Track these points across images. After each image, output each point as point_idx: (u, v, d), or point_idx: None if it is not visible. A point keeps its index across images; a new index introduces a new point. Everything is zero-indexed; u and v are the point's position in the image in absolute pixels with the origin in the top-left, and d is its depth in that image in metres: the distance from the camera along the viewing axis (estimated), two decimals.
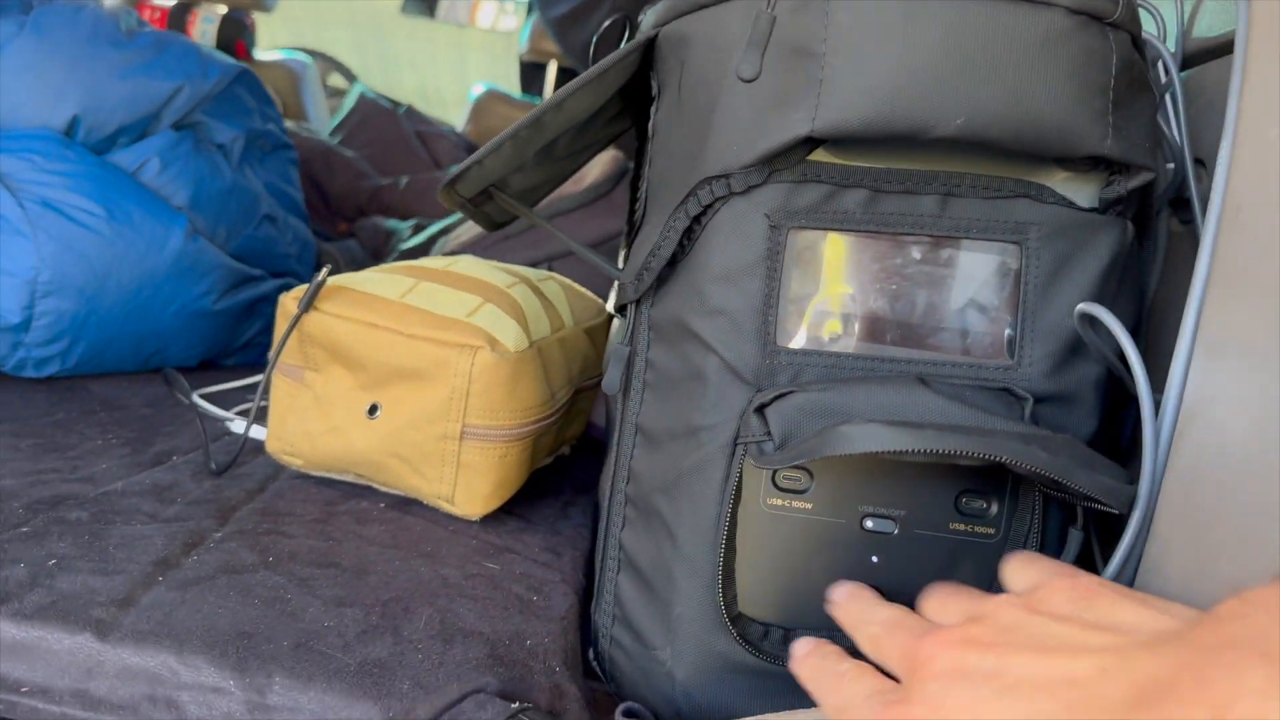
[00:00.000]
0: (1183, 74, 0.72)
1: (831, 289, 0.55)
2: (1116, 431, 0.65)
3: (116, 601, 0.53)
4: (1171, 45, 0.72)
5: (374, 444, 0.74)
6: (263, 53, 2.67)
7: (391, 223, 1.63)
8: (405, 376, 0.73)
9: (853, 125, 0.50)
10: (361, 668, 0.51)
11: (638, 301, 0.61)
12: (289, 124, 1.96)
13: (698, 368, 0.57)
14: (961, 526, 0.56)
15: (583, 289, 0.94)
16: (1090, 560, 0.60)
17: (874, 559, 0.56)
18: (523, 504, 0.81)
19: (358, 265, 1.51)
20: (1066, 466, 0.46)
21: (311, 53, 3.30)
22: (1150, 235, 0.63)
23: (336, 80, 3.68)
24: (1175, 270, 0.70)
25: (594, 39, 0.72)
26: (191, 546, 0.62)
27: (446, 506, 0.75)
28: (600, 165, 1.24)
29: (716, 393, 0.56)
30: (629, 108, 0.75)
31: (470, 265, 0.83)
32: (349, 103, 2.19)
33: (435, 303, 0.75)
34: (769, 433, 0.53)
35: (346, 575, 0.61)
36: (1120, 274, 0.56)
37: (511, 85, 3.19)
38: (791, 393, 0.53)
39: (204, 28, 2.46)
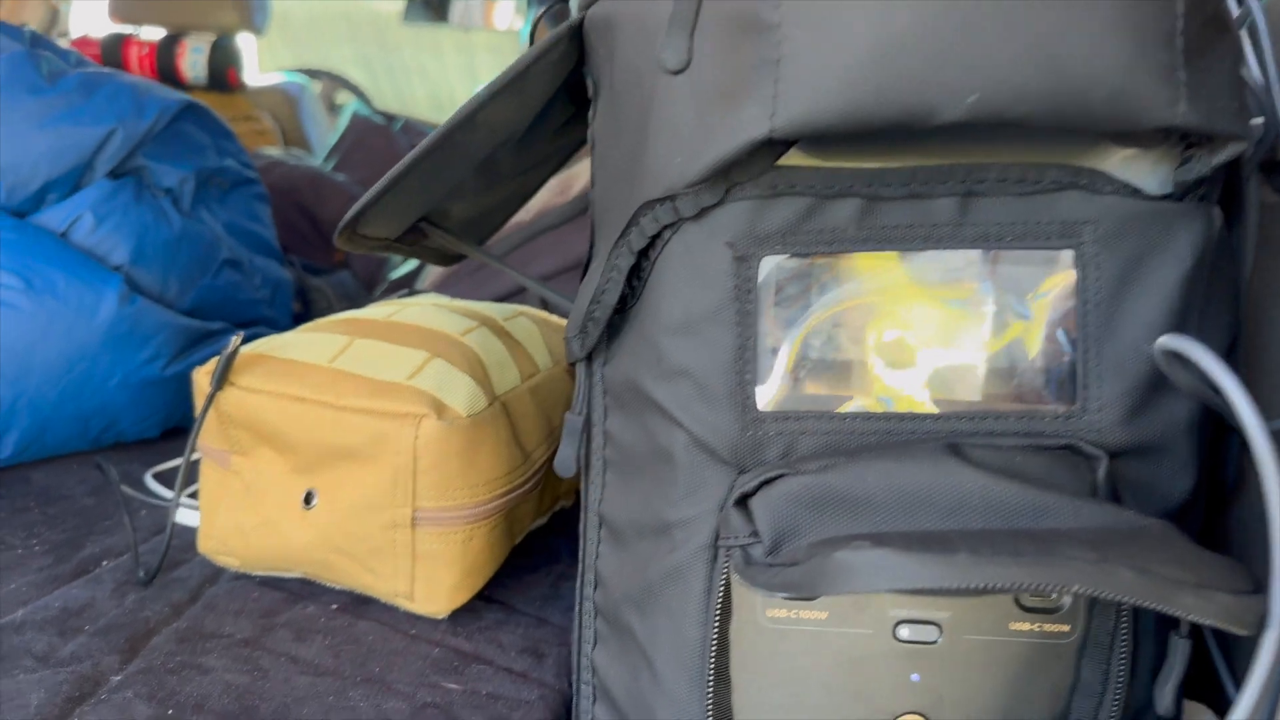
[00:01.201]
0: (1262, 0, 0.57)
1: (825, 332, 0.42)
2: (1218, 466, 0.51)
3: None
4: None
5: (313, 539, 0.62)
6: (259, 77, 2.58)
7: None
8: (341, 456, 0.61)
9: (825, 118, 0.36)
10: None
11: (589, 359, 0.48)
12: (273, 152, 1.86)
13: (663, 446, 0.44)
14: (1026, 625, 0.42)
15: (563, 322, 0.82)
16: (1207, 665, 0.47)
17: (914, 677, 0.43)
18: (507, 581, 0.69)
19: (350, 299, 1.40)
20: (1164, 590, 0.32)
21: (314, 72, 3.21)
22: (1240, 214, 0.49)
23: (345, 98, 3.59)
24: (1272, 252, 0.55)
25: (532, 28, 0.59)
26: (77, 701, 0.51)
27: (406, 604, 0.63)
28: (589, 172, 1.11)
29: (688, 477, 0.43)
30: (582, 112, 0.62)
31: (419, 312, 0.70)
32: (341, 125, 2.08)
33: (372, 364, 0.63)
34: (755, 532, 0.40)
35: None
36: (1209, 276, 0.43)
37: None
38: (783, 476, 0.40)
39: (194, 58, 2.37)
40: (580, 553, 0.50)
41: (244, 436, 0.64)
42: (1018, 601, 0.42)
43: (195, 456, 0.71)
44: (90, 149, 0.94)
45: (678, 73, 0.38)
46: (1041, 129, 0.39)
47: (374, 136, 1.97)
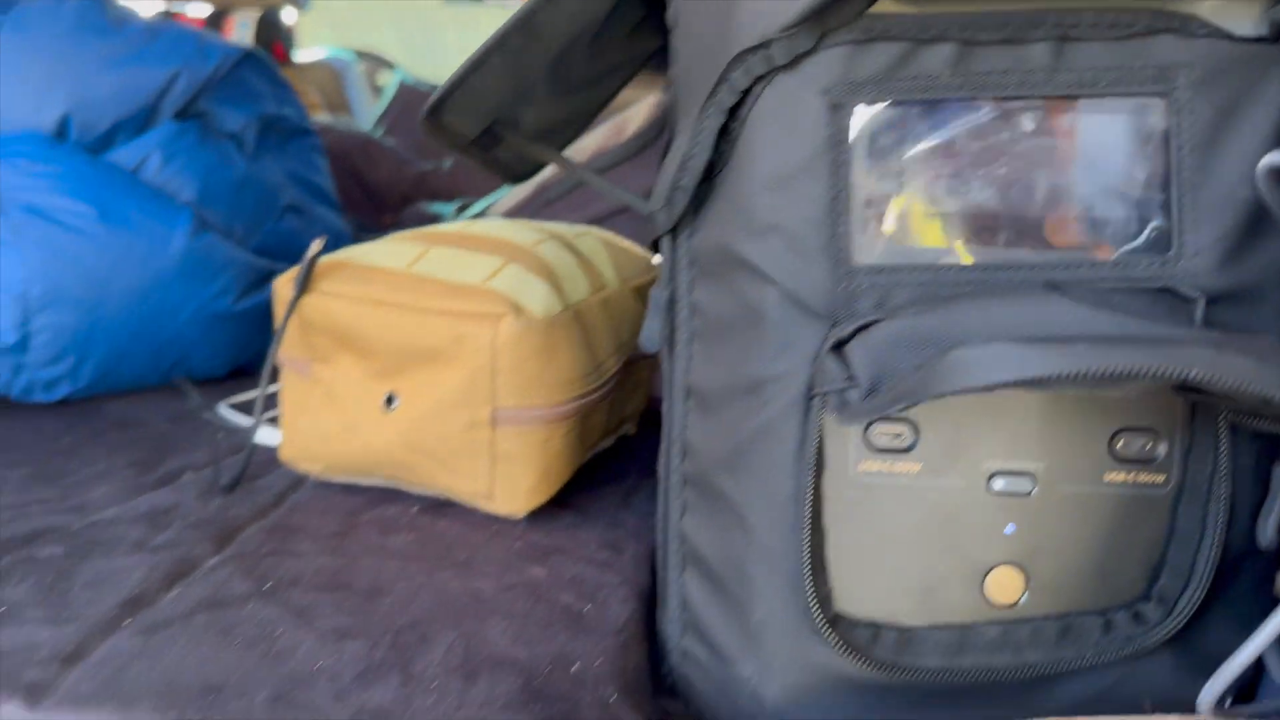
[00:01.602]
0: None
1: (920, 181, 0.42)
2: None
3: (60, 658, 0.43)
4: None
5: (394, 440, 0.63)
6: (305, 52, 2.61)
7: (435, 206, 1.53)
8: (421, 358, 0.62)
9: None
10: None
11: (674, 232, 0.49)
12: (325, 117, 1.88)
13: (754, 304, 0.44)
14: (1120, 476, 0.42)
15: (628, 243, 0.82)
16: None
17: (1008, 529, 0.43)
18: (578, 494, 0.69)
19: None
20: None
21: (359, 53, 3.23)
22: None
23: (386, 78, 3.62)
24: None
25: None
26: (175, 578, 0.52)
27: (485, 505, 0.64)
28: (644, 112, 1.12)
29: (780, 333, 0.44)
30: (654, 15, 0.63)
31: (490, 224, 0.71)
32: (389, 93, 2.10)
33: (450, 269, 0.64)
34: (852, 377, 0.40)
35: (355, 599, 0.51)
36: None
37: None
38: (878, 321, 0.41)
39: (240, 33, 2.41)
40: (665, 429, 0.51)
41: (325, 343, 0.65)
42: (1111, 450, 0.42)
43: (274, 369, 0.72)
44: (156, 91, 0.96)
45: None
46: None
47: (420, 103, 1.97)
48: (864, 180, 0.42)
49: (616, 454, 0.78)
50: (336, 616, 0.48)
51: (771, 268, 0.43)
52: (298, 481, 0.69)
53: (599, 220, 1.11)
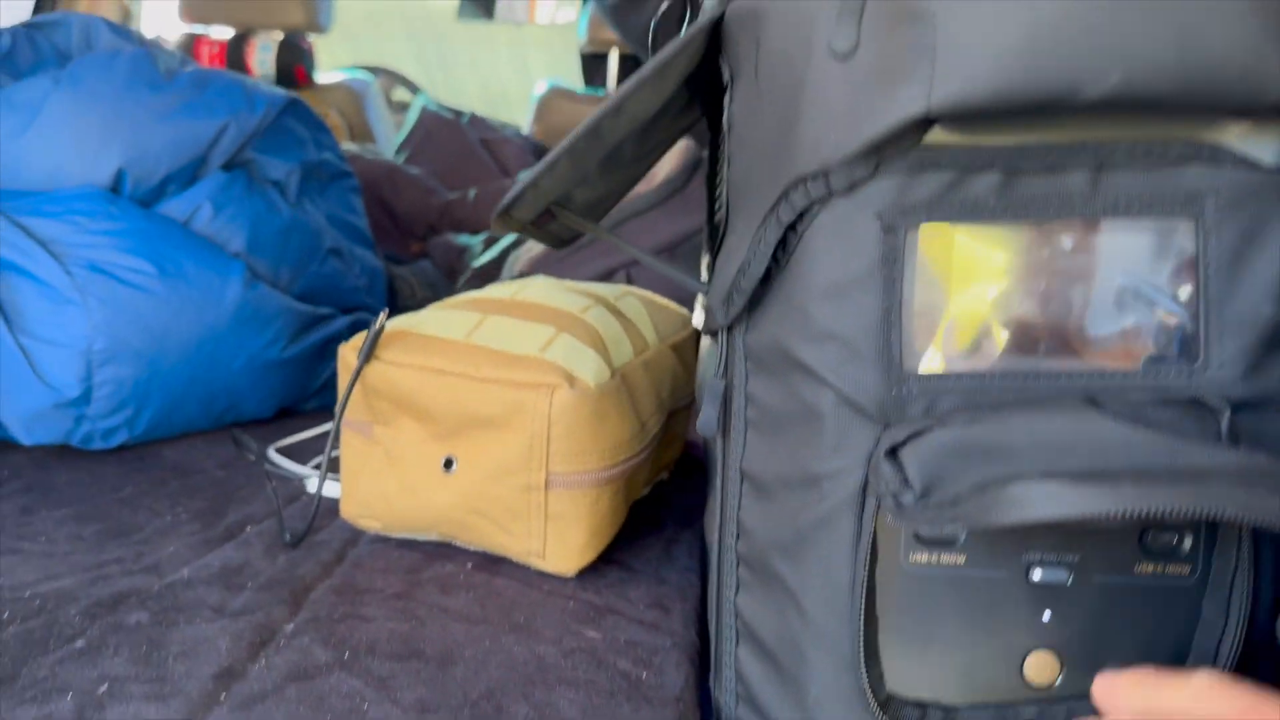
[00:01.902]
0: None
1: (966, 295, 0.46)
2: None
3: None
4: None
5: (453, 501, 0.67)
6: (324, 75, 2.65)
7: (463, 238, 1.57)
8: (479, 424, 0.66)
9: (979, 98, 0.40)
10: None
11: (729, 327, 0.52)
12: (350, 146, 1.92)
13: (810, 404, 0.48)
14: (1150, 568, 0.46)
15: (665, 301, 0.86)
16: None
17: (1045, 617, 0.46)
18: (622, 548, 0.73)
19: (433, 286, 1.45)
20: None
21: (373, 69, 3.27)
22: None
23: (401, 94, 3.66)
24: None
25: (653, 25, 0.63)
26: (260, 646, 0.56)
27: (538, 563, 0.67)
28: (672, 158, 1.15)
29: (836, 433, 0.47)
30: (697, 96, 0.66)
31: (540, 290, 0.75)
32: (411, 118, 2.14)
33: (505, 339, 0.67)
34: (906, 480, 0.44)
35: (430, 668, 0.54)
36: None
37: (575, 79, 3.12)
38: (930, 429, 0.44)
39: (262, 56, 2.44)
40: (717, 507, 0.54)
41: (386, 407, 0.68)
42: (1141, 544, 0.46)
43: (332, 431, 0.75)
44: (206, 142, 1.00)
45: (846, 55, 0.42)
46: (1167, 106, 0.42)
47: (443, 129, 2.02)
48: (915, 293, 0.46)
49: (654, 501, 0.82)
50: (416, 688, 0.52)
51: (827, 372, 0.47)
52: (355, 536, 0.73)
53: (628, 265, 1.15)
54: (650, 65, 0.52)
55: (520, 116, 2.87)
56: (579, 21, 2.89)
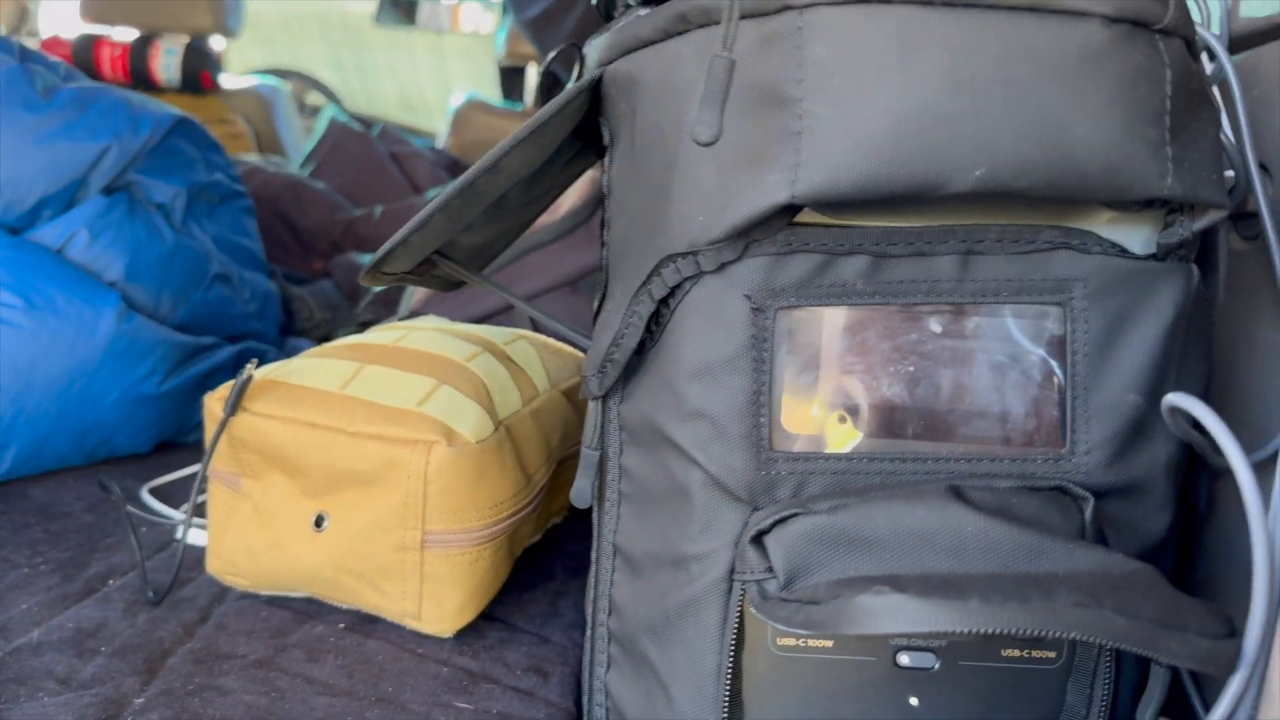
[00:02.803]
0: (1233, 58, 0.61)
1: (835, 378, 0.45)
2: (1190, 498, 0.55)
3: None
4: (1215, 27, 0.61)
5: (323, 559, 0.64)
6: (233, 80, 2.58)
7: (367, 258, 1.53)
8: (353, 481, 0.63)
9: (843, 188, 0.39)
10: None
11: (604, 397, 0.51)
12: (252, 158, 1.86)
13: (680, 483, 0.47)
14: (1016, 652, 0.45)
15: (560, 345, 0.84)
16: (1179, 684, 0.50)
17: (913, 701, 0.46)
18: (506, 602, 0.71)
19: (332, 308, 1.42)
20: (1150, 634, 0.36)
21: (287, 73, 3.20)
22: (1213, 262, 0.53)
23: (316, 98, 3.59)
24: (1239, 296, 0.59)
25: (540, 73, 0.61)
26: None
27: (413, 624, 0.65)
28: (577, 190, 1.13)
29: (704, 514, 0.46)
30: (591, 145, 0.65)
31: (425, 337, 0.72)
32: (320, 128, 2.09)
33: (382, 391, 0.65)
34: (770, 568, 0.43)
35: None
36: (1187, 327, 0.46)
37: (496, 89, 3.09)
38: (796, 515, 0.43)
39: (166, 60, 2.36)
40: (592, 580, 0.53)
41: (255, 460, 0.65)
42: None
43: (200, 481, 0.72)
44: (86, 165, 0.95)
45: (708, 144, 0.40)
46: (1037, 199, 0.42)
47: (351, 142, 1.97)
48: (784, 375, 0.45)
49: (545, 547, 0.80)
50: None
51: (697, 451, 0.46)
52: (223, 592, 0.70)
53: (532, 297, 1.13)
54: (527, 125, 0.51)
55: (440, 124, 2.83)
56: (498, 34, 2.87)
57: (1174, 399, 0.41)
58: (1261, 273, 0.56)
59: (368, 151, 1.95)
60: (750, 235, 0.43)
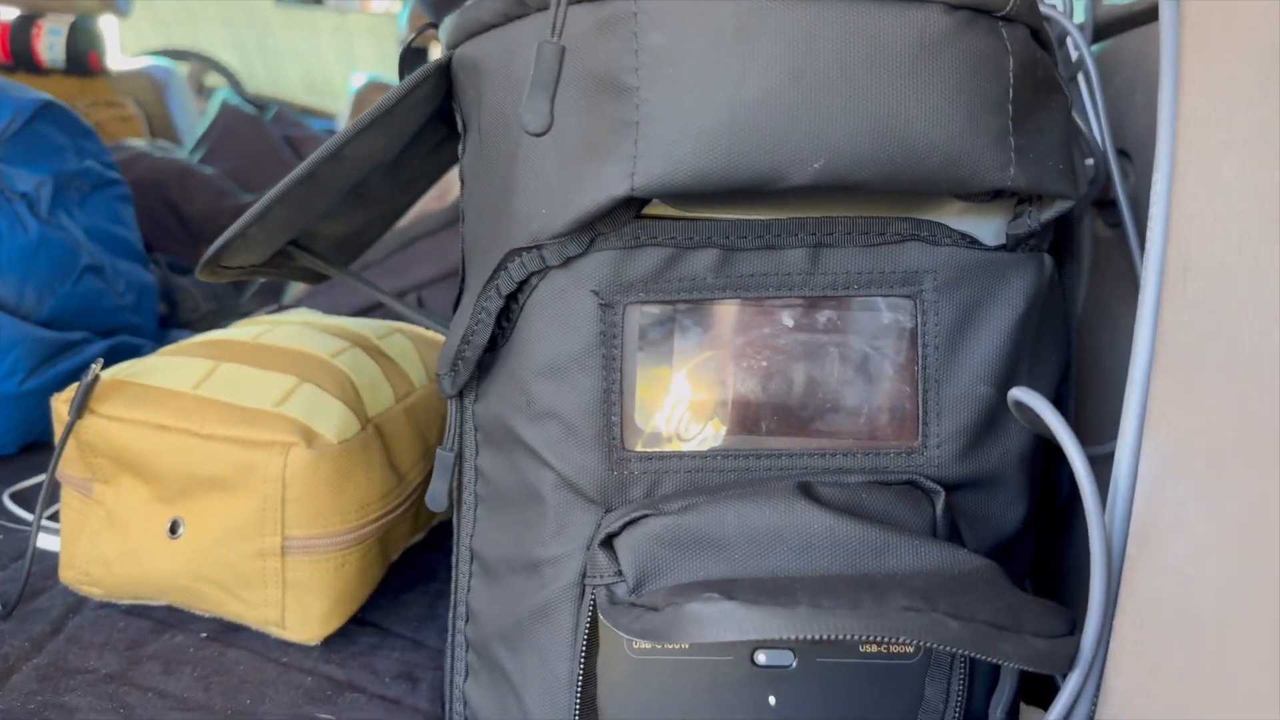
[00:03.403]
0: (1094, 47, 0.61)
1: (686, 374, 0.44)
2: (1051, 492, 0.55)
3: None
4: (1079, 15, 0.61)
5: (179, 568, 0.61)
6: (126, 60, 2.48)
7: None
8: (207, 485, 0.60)
9: (681, 180, 0.38)
10: None
11: (459, 395, 0.49)
12: (137, 143, 1.79)
13: (532, 485, 0.45)
14: (874, 648, 0.45)
15: (439, 338, 0.82)
16: (1034, 685, 0.50)
17: (770, 700, 0.45)
18: (381, 605, 0.69)
19: (217, 298, 1.37)
20: (983, 638, 0.35)
21: (184, 54, 3.09)
22: (1073, 250, 0.53)
23: (216, 80, 3.47)
24: (1105, 282, 0.59)
25: (400, 54, 0.59)
26: None
27: (278, 632, 0.62)
28: (422, 201, 1.11)
29: (557, 516, 0.44)
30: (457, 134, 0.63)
31: (289, 332, 0.70)
32: (211, 112, 2.01)
33: (238, 390, 0.62)
34: (620, 572, 0.42)
35: None
36: (1040, 317, 0.46)
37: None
38: (646, 516, 0.42)
39: (50, 40, 2.26)
40: (452, 585, 0.51)
41: (106, 465, 0.62)
42: None
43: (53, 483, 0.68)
44: None
45: (539, 135, 0.39)
46: (885, 191, 0.41)
47: (244, 126, 1.91)
48: (635, 373, 0.43)
49: (430, 546, 0.78)
50: None
51: (548, 452, 0.44)
52: (79, 602, 0.66)
53: (421, 285, 1.10)
54: (369, 111, 0.48)
55: (345, 106, 2.75)
56: (400, 13, 2.80)
57: (1017, 394, 0.40)
58: (1124, 259, 0.56)
59: (260, 135, 1.88)
60: (595, 229, 0.41)
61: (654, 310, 0.43)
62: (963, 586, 0.37)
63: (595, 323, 0.43)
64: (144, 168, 1.61)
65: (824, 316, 0.44)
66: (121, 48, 2.90)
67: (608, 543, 0.42)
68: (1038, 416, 0.39)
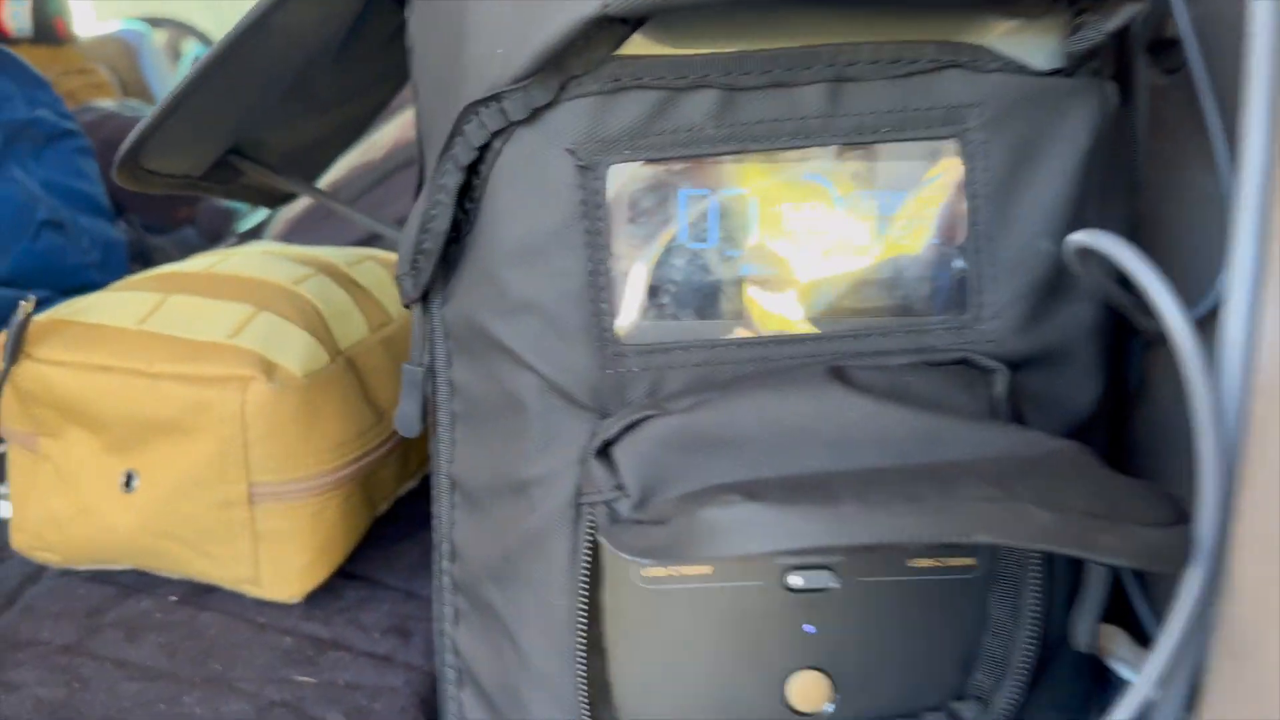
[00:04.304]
0: None
1: (690, 246, 0.37)
2: (1118, 374, 0.48)
3: None
4: None
5: (137, 525, 0.55)
6: (96, 26, 2.39)
7: (234, 204, 1.41)
8: (160, 431, 0.54)
9: None
10: None
11: (425, 299, 0.42)
12: (107, 104, 1.71)
13: (512, 392, 0.38)
14: (927, 562, 0.38)
15: None
16: (1118, 586, 0.43)
17: (809, 628, 0.38)
18: (371, 553, 0.62)
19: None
20: (1080, 529, 0.28)
21: (159, 21, 2.99)
22: (1129, 97, 0.45)
23: (192, 45, 3.38)
24: (1162, 136, 0.52)
25: None
26: None
27: (253, 591, 0.56)
28: (400, 127, 1.03)
29: (543, 427, 0.37)
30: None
31: (245, 261, 0.62)
32: (182, 73, 1.93)
33: (188, 324, 0.55)
34: (621, 485, 0.35)
35: None
36: (1106, 159, 0.38)
37: None
38: (649, 418, 0.35)
39: (15, 8, 2.17)
40: (433, 520, 0.44)
41: (49, 415, 0.56)
42: None
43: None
44: None
45: None
46: (916, 2, 0.33)
47: None
48: (627, 249, 0.36)
49: (423, 492, 0.71)
50: None
51: (528, 352, 0.37)
52: (38, 571, 0.60)
53: (402, 220, 1.02)
54: None
55: None
56: None
57: (1081, 239, 0.33)
58: (1186, 108, 0.49)
59: None
60: (565, 69, 0.34)
61: (645, 172, 0.36)
62: (1046, 470, 0.30)
63: (573, 189, 0.35)
64: (113, 128, 1.52)
65: (850, 168, 0.36)
66: (97, 14, 2.81)
67: (604, 452, 0.35)
68: (1108, 268, 0.32)
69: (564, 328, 0.36)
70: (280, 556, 0.55)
